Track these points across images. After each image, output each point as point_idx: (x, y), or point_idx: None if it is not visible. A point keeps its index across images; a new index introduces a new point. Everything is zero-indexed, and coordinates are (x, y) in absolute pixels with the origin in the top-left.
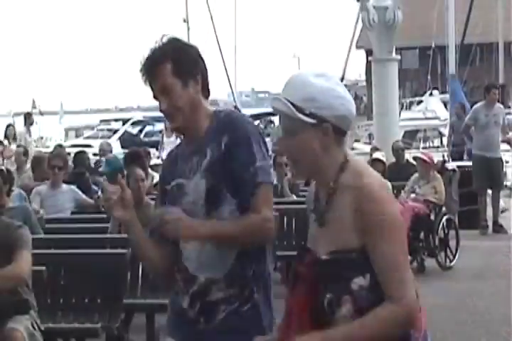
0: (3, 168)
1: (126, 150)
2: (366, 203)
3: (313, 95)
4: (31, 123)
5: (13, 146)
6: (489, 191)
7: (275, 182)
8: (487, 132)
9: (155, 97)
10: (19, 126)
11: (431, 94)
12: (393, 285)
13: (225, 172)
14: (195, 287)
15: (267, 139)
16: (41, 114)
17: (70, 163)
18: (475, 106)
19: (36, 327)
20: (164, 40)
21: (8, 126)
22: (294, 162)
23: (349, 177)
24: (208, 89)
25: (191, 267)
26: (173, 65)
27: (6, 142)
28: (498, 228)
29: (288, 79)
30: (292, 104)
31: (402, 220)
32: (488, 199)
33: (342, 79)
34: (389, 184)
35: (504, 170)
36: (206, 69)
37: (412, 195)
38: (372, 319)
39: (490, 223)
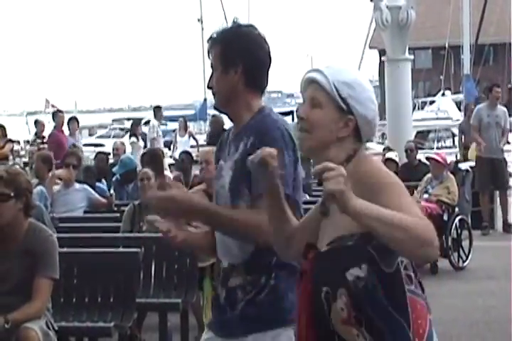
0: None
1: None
2: (364, 175)
3: (353, 84)
4: (162, 116)
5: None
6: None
7: None
8: (489, 133)
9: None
10: (32, 124)
11: (443, 95)
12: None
13: (246, 172)
14: (221, 272)
15: None
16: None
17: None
18: (478, 107)
19: (51, 327)
20: (238, 24)
21: (133, 124)
22: (305, 131)
23: (352, 166)
24: (256, 83)
25: (218, 252)
26: (221, 50)
27: (134, 139)
28: (508, 228)
29: (330, 64)
30: (332, 81)
31: (398, 179)
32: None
33: None
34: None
35: (508, 170)
36: (257, 63)
37: (425, 196)
38: (404, 215)
39: (500, 223)
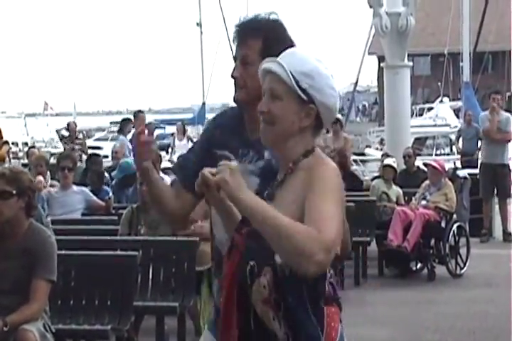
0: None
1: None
2: (317, 172)
3: (312, 73)
4: None
5: None
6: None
7: None
8: (492, 139)
9: (234, 59)
10: (31, 126)
11: (441, 101)
12: (319, 222)
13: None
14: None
15: None
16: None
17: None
18: (481, 115)
19: (48, 329)
20: (273, 16)
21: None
22: (268, 124)
23: (309, 162)
24: None
25: (223, 250)
26: (263, 45)
27: None
28: (507, 236)
29: (288, 51)
30: (291, 71)
31: (343, 196)
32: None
33: (356, 85)
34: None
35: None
36: None
37: (423, 202)
38: (292, 221)
39: (500, 231)
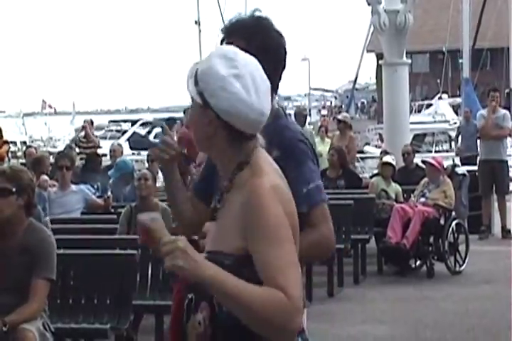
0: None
1: (135, 152)
2: (252, 204)
3: (205, 73)
4: None
5: None
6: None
7: None
8: (488, 136)
9: None
10: (29, 125)
11: (440, 98)
12: (279, 283)
13: None
14: None
15: None
16: (55, 112)
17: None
18: (479, 112)
19: (47, 328)
20: (256, 14)
21: None
22: (193, 133)
23: (244, 176)
24: (274, 88)
25: None
26: (246, 45)
27: None
28: (506, 233)
29: (217, 48)
30: (197, 73)
31: (287, 222)
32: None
33: (355, 83)
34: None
35: (510, 175)
36: (278, 67)
37: (422, 199)
38: (259, 289)
39: (499, 228)
